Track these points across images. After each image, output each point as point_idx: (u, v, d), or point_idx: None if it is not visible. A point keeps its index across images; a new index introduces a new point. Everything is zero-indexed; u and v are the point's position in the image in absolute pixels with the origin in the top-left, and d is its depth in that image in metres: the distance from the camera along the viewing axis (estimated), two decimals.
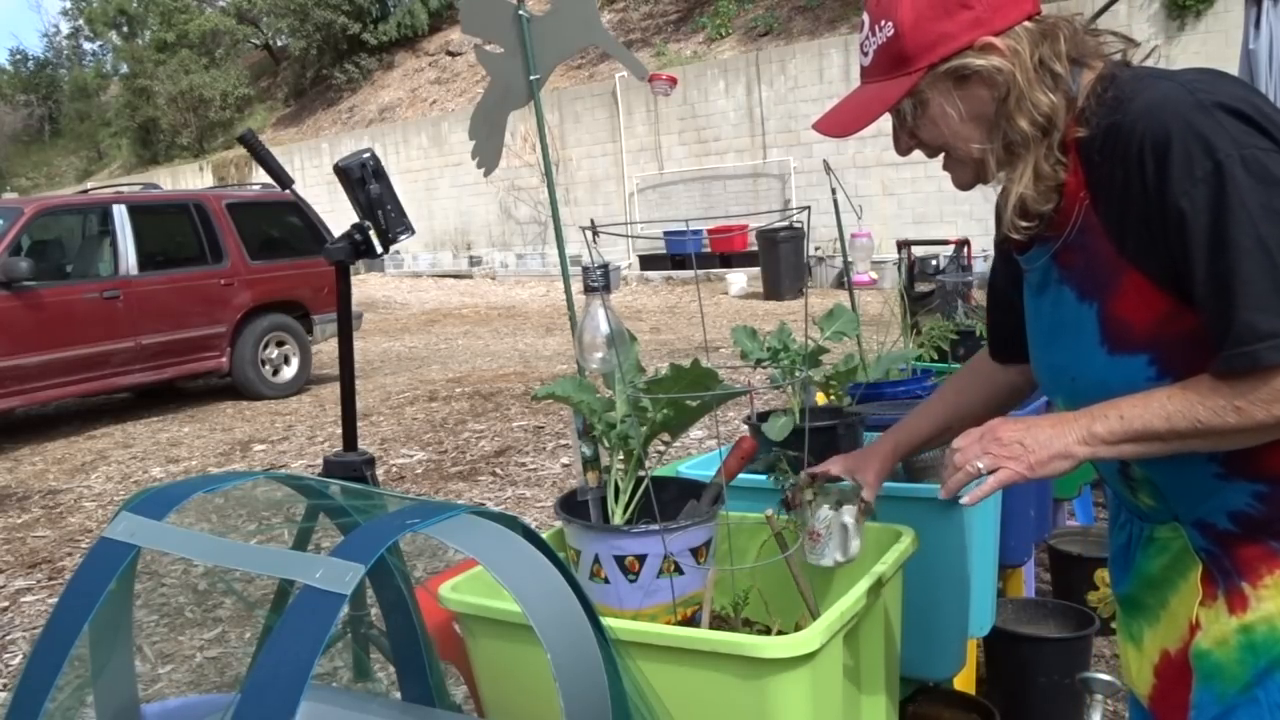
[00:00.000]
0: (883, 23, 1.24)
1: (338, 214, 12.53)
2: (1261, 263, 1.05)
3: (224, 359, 8.25)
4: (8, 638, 3.74)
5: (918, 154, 1.35)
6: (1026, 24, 1.21)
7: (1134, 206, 1.15)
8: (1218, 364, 1.09)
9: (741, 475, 1.72)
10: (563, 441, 5.95)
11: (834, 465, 1.60)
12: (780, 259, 12.60)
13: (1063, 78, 1.21)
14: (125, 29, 32.59)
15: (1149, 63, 1.27)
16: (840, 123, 1.30)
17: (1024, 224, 1.25)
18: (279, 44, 30.32)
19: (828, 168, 3.22)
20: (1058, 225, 1.26)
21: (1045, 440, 1.19)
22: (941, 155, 1.31)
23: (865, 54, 1.29)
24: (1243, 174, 1.06)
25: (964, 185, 1.34)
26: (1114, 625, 3.00)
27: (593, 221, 1.65)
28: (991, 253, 1.53)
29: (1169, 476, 1.25)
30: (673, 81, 14.76)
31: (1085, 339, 1.24)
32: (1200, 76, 1.15)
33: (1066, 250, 1.25)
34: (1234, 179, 1.06)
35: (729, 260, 14.48)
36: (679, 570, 1.49)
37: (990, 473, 1.21)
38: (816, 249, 13.62)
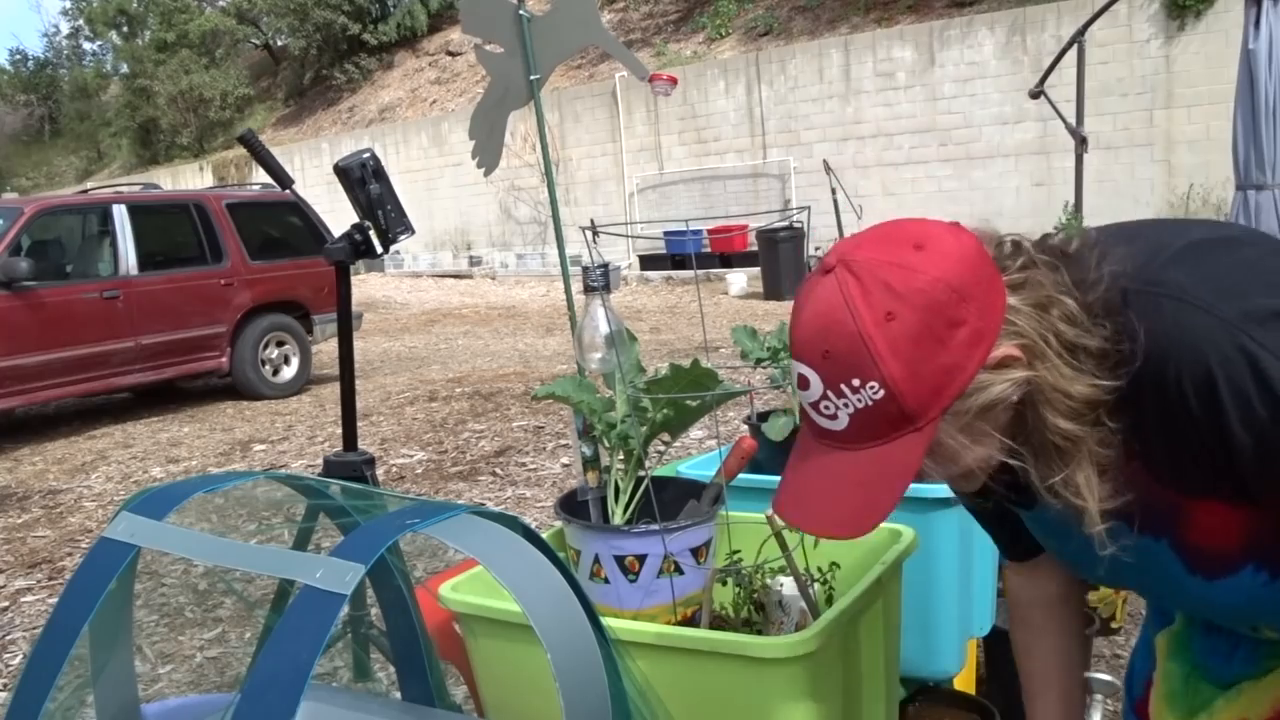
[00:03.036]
0: (855, 384, 0.96)
1: (338, 214, 12.52)
2: None
3: (224, 359, 8.25)
4: (8, 638, 3.74)
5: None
6: (1012, 301, 0.99)
7: (1189, 448, 1.01)
8: None
9: (741, 475, 1.72)
10: (563, 441, 5.95)
11: None
12: (780, 259, 12.60)
13: (1088, 348, 1.01)
14: (125, 29, 32.58)
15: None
16: (860, 514, 1.02)
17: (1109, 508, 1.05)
18: (279, 44, 30.31)
19: (828, 168, 3.22)
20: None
21: None
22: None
23: (831, 417, 1.00)
24: None
25: (973, 491, 1.13)
26: (1114, 625, 3.00)
27: (593, 221, 1.65)
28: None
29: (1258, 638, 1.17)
30: (673, 81, 14.75)
31: (1166, 569, 1.11)
32: (1205, 283, 1.01)
33: None
34: None
35: (729, 260, 14.48)
36: (679, 570, 1.49)
37: None
38: (816, 249, 13.61)
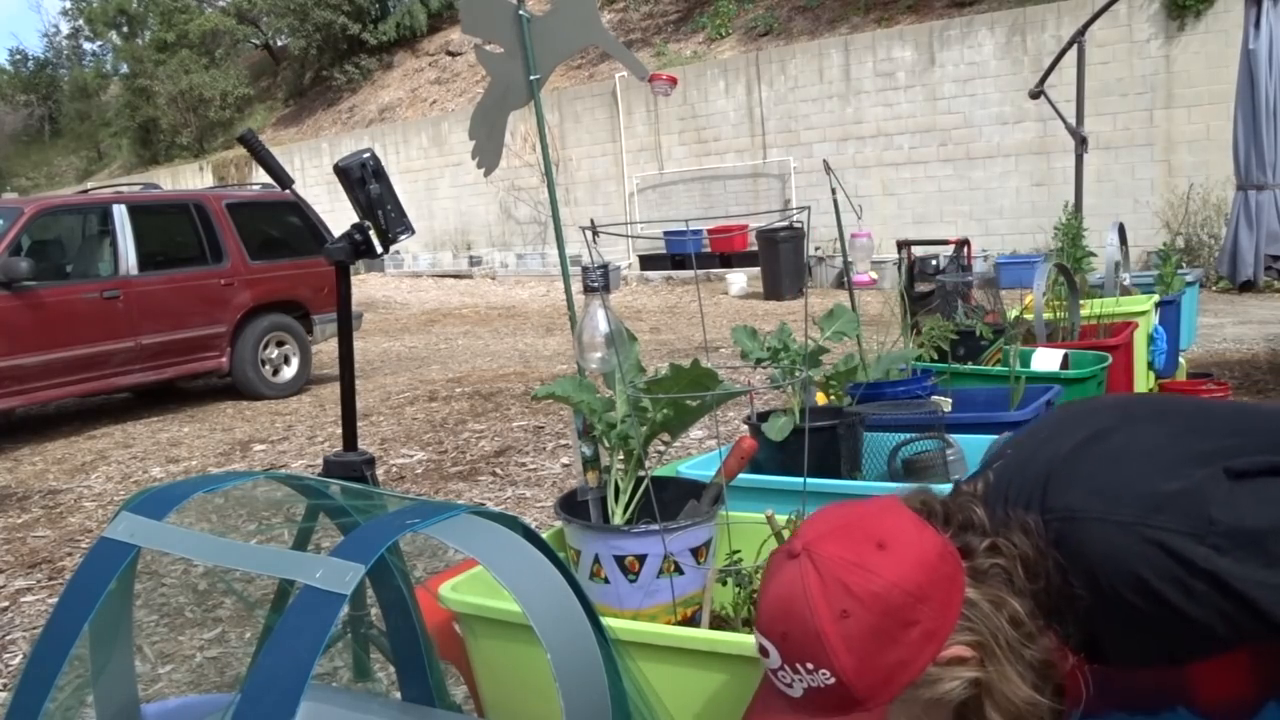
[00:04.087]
0: (809, 666, 1.03)
1: (338, 214, 12.54)
2: None
3: (224, 359, 8.25)
4: (8, 638, 3.74)
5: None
6: (971, 594, 1.05)
7: (1159, 635, 1.07)
8: None
9: (741, 475, 1.72)
10: (563, 441, 5.95)
11: None
12: (780, 259, 12.60)
13: (1039, 659, 1.07)
14: (125, 29, 32.59)
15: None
16: None
17: None
18: (279, 44, 30.31)
19: (828, 168, 3.23)
20: (1069, 701, 1.14)
21: None
22: None
23: (788, 685, 1.06)
24: (1234, 559, 1.01)
25: None
26: None
27: (593, 221, 1.65)
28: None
29: None
30: (673, 81, 14.75)
31: None
32: (1089, 500, 1.07)
33: (1090, 704, 1.14)
34: (1229, 571, 1.01)
35: (729, 260, 14.48)
36: (679, 570, 1.48)
37: None
38: (816, 249, 13.63)
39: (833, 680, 1.02)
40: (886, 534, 1.05)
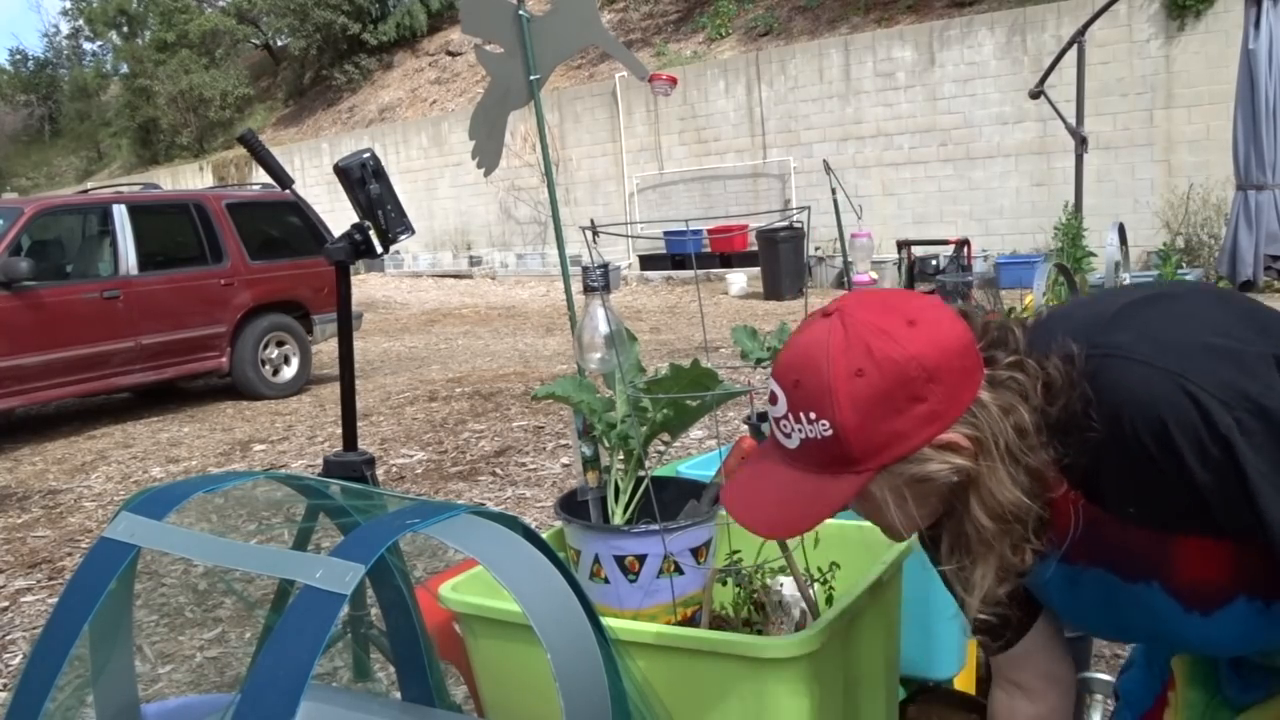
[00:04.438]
0: (811, 416, 1.07)
1: (338, 214, 12.52)
2: None
3: (224, 359, 8.25)
4: (8, 638, 3.74)
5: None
6: (984, 396, 1.07)
7: (1158, 493, 1.08)
8: None
9: None
10: (563, 441, 5.95)
11: None
12: (780, 259, 12.60)
13: (1034, 468, 1.09)
14: (125, 29, 32.58)
15: None
16: (777, 522, 1.15)
17: (989, 612, 1.15)
18: (279, 44, 30.31)
19: (828, 168, 3.22)
20: (1056, 532, 1.16)
21: None
22: None
23: (786, 435, 1.11)
24: (1254, 437, 1.02)
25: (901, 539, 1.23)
26: None
27: (593, 221, 1.65)
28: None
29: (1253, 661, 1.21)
30: (673, 81, 14.75)
31: (1164, 612, 1.16)
32: (1142, 340, 1.08)
33: (1074, 548, 1.17)
34: (1245, 446, 1.02)
35: (729, 260, 14.48)
36: (679, 570, 1.49)
37: None
38: (816, 249, 13.62)
39: (830, 433, 1.06)
40: (920, 315, 1.08)
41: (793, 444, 1.11)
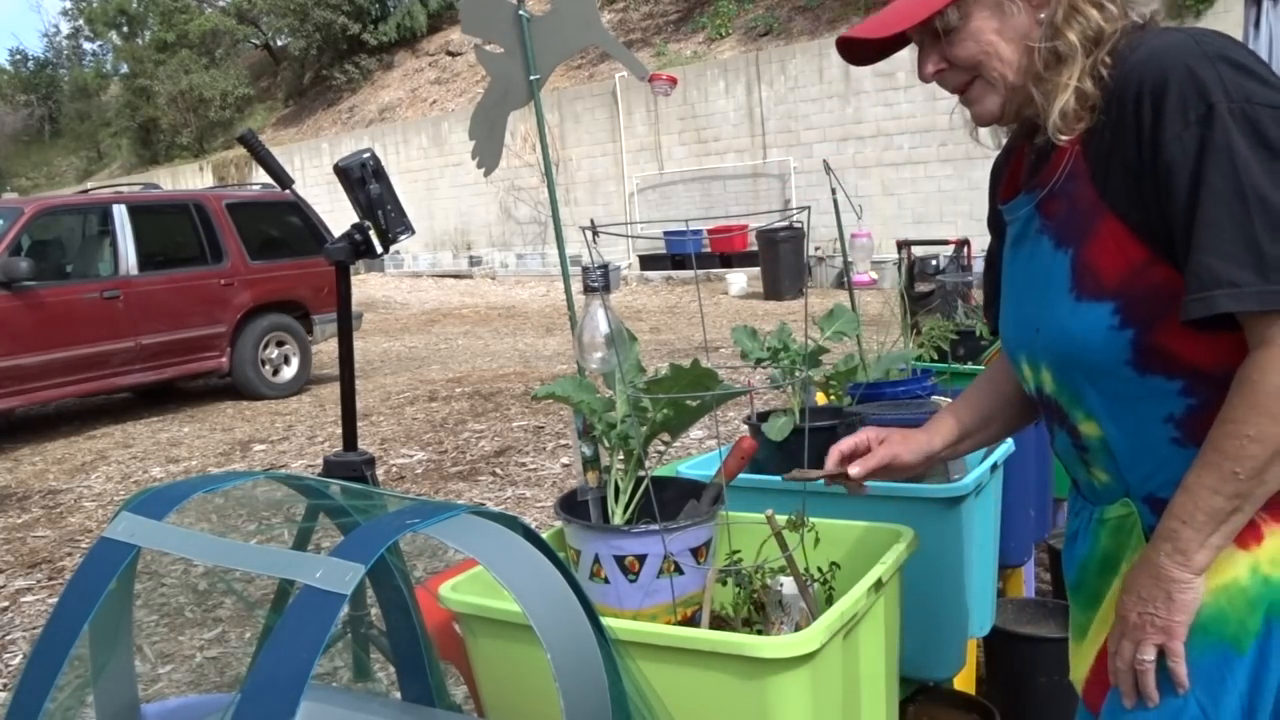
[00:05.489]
0: None
1: (338, 214, 12.52)
2: (1233, 210, 1.05)
3: (224, 359, 8.25)
4: (8, 638, 3.74)
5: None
6: None
7: (1124, 151, 1.14)
8: (1180, 313, 1.08)
9: (741, 475, 1.71)
10: (563, 441, 5.95)
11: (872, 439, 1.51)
12: (780, 259, 12.60)
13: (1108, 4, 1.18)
14: (125, 29, 32.60)
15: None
16: (881, 23, 1.24)
17: (1062, 137, 1.20)
18: (279, 44, 30.32)
19: (827, 168, 3.22)
20: (1046, 174, 1.24)
21: (1161, 595, 1.14)
22: (969, 85, 1.28)
23: None
24: (1233, 124, 1.05)
25: (989, 116, 1.29)
26: None
27: (593, 221, 1.65)
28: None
29: (1125, 439, 1.23)
30: (673, 81, 14.76)
31: (1056, 286, 1.22)
32: (1208, 32, 1.14)
33: (1051, 199, 1.24)
34: (1224, 126, 1.05)
35: (729, 260, 14.48)
36: (679, 570, 1.48)
37: (1160, 655, 1.16)
38: (816, 249, 13.62)
39: None
40: None
41: None
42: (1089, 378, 1.22)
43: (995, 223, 1.45)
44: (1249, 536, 1.14)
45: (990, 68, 1.23)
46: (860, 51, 1.33)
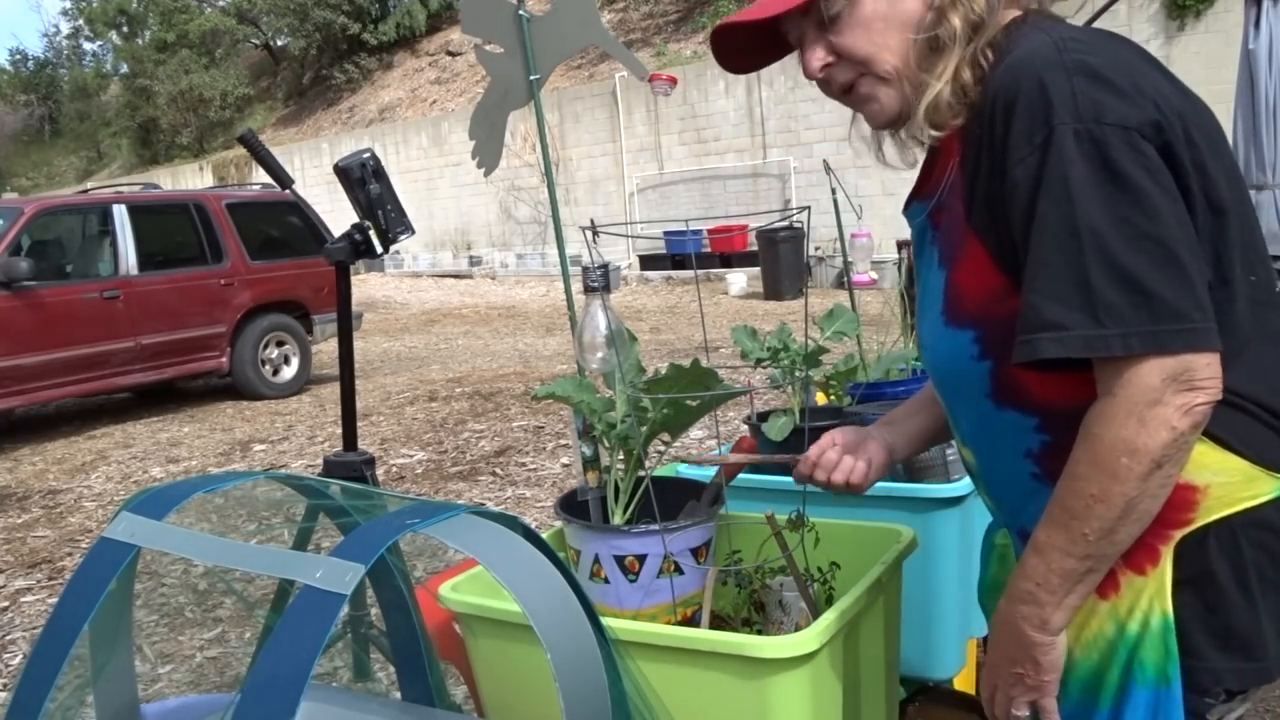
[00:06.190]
0: None
1: (338, 214, 12.53)
2: (1064, 246, 0.96)
3: (224, 359, 8.25)
4: (8, 638, 3.74)
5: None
6: None
7: (984, 171, 1.06)
8: (1012, 356, 1.01)
9: (741, 475, 1.71)
10: (563, 441, 5.95)
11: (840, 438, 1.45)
12: (780, 259, 12.60)
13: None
14: (125, 29, 32.61)
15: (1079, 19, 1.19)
16: (760, 7, 1.15)
17: (932, 132, 1.12)
18: (279, 44, 30.32)
19: (828, 168, 3.22)
20: (935, 181, 1.17)
21: (1027, 659, 1.09)
22: (855, 82, 1.17)
23: None
24: (1073, 148, 0.96)
25: (887, 116, 1.19)
26: None
27: (593, 221, 1.65)
28: None
29: (990, 470, 1.20)
30: (673, 81, 14.75)
31: (933, 306, 1.16)
32: (1082, 35, 1.05)
33: (939, 209, 1.16)
34: (1062, 153, 0.97)
35: (729, 260, 14.48)
36: (679, 570, 1.48)
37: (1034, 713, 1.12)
38: (816, 249, 13.62)
39: None
40: None
41: None
42: (958, 405, 1.19)
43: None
44: (1108, 586, 1.07)
45: (878, 61, 1.13)
46: (737, 51, 1.25)
